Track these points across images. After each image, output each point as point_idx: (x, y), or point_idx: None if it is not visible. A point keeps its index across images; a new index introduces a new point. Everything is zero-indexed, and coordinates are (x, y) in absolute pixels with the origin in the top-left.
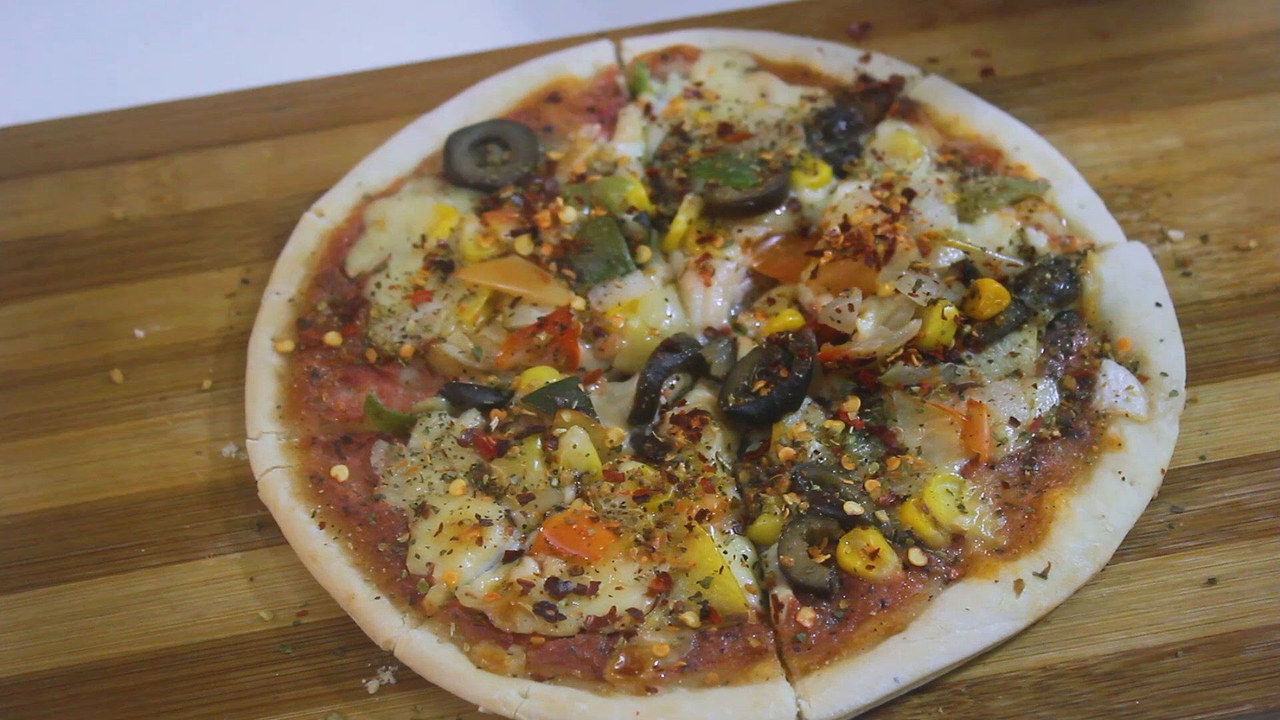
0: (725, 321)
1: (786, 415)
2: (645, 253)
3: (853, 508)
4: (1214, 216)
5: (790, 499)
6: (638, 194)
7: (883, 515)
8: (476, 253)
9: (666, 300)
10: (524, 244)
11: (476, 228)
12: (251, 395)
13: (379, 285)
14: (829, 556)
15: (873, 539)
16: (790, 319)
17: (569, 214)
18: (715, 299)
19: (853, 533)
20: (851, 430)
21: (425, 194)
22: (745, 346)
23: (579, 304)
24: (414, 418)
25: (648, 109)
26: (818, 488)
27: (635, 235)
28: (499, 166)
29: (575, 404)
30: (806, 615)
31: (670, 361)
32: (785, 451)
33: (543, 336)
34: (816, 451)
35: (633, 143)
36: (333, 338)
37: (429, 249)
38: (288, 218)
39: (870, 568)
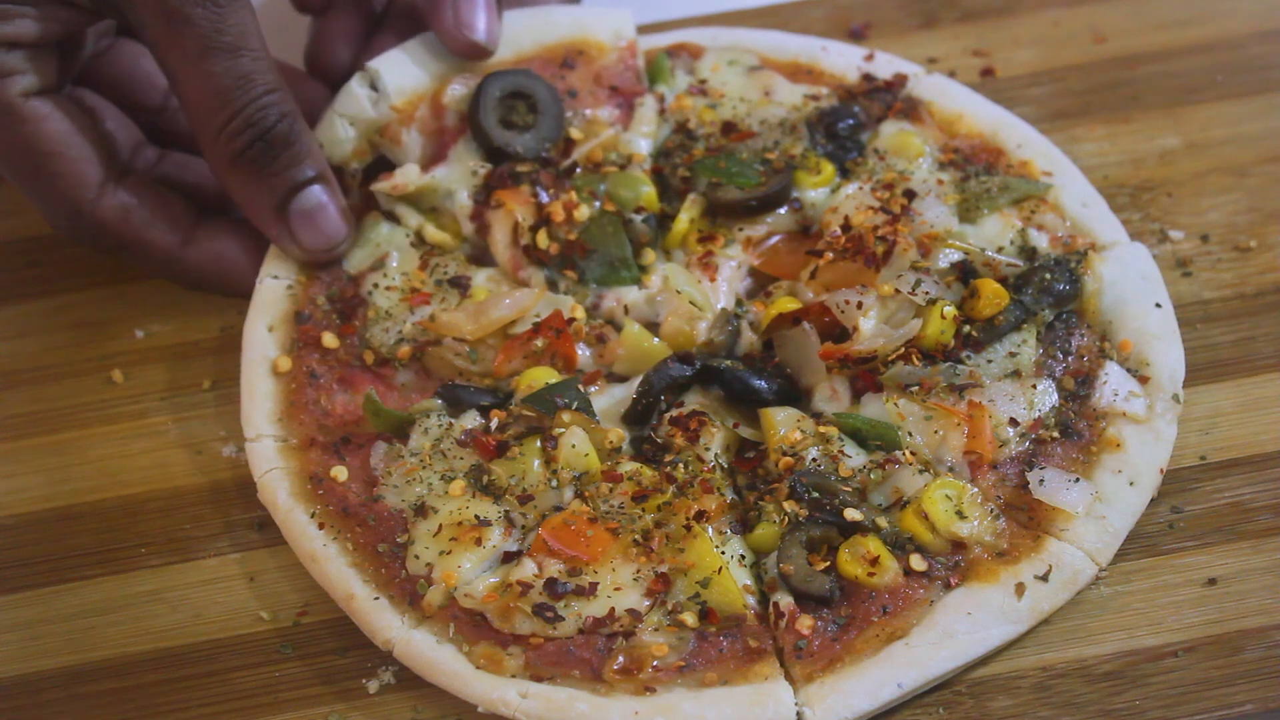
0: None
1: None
2: (649, 255)
3: (852, 514)
4: (1214, 216)
5: (789, 506)
6: (650, 197)
7: (883, 522)
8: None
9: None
10: (542, 238)
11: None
12: (248, 394)
13: (376, 285)
14: (829, 564)
15: (873, 546)
16: (788, 303)
17: (583, 211)
18: (718, 294)
19: (852, 540)
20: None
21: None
22: (746, 332)
23: (580, 313)
24: (413, 417)
25: (661, 100)
26: (816, 495)
27: (641, 237)
28: (521, 133)
29: (575, 405)
30: (805, 623)
31: (678, 371)
32: (784, 461)
33: (539, 342)
34: (815, 459)
35: (646, 138)
36: (330, 340)
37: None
38: None
39: (871, 575)
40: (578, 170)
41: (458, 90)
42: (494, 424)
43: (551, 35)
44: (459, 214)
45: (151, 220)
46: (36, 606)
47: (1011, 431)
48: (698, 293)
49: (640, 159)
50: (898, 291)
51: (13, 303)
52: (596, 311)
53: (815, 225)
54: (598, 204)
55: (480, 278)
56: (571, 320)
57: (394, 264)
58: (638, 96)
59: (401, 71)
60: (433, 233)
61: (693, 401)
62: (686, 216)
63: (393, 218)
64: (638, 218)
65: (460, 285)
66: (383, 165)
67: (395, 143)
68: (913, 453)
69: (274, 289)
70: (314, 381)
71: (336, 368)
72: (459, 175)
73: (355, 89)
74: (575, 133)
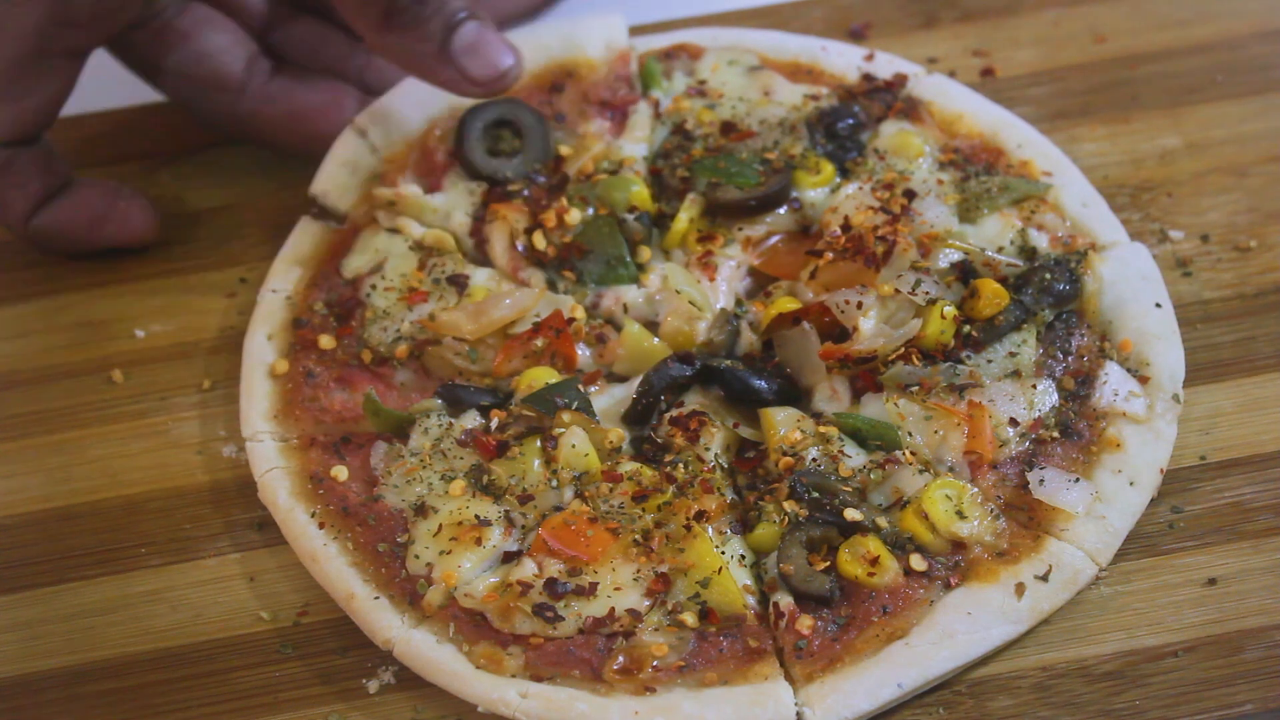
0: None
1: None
2: (645, 253)
3: (852, 514)
4: (1214, 216)
5: (789, 506)
6: (641, 195)
7: (883, 522)
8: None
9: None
10: (539, 239)
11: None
12: (246, 394)
13: (374, 287)
14: (829, 564)
15: (873, 546)
16: (788, 303)
17: (574, 216)
18: (717, 294)
19: (852, 540)
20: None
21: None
22: (745, 332)
23: (579, 313)
24: (413, 417)
25: (656, 105)
26: (816, 495)
27: (635, 235)
28: (509, 159)
29: (575, 405)
30: (805, 623)
31: (678, 371)
32: (784, 461)
33: (539, 342)
34: (815, 459)
35: (639, 143)
36: (326, 341)
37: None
38: (288, 218)
39: (871, 575)
40: (570, 182)
41: (439, 134)
42: (494, 424)
43: (541, 58)
44: (458, 231)
45: (17, 185)
46: (36, 606)
47: (1011, 431)
48: (697, 293)
49: (632, 162)
50: (898, 291)
51: (13, 303)
52: (596, 311)
53: (815, 225)
54: (590, 210)
55: (479, 276)
56: (571, 320)
57: (392, 266)
58: (631, 105)
59: (388, 124)
60: (433, 236)
61: (693, 401)
62: (686, 216)
63: (394, 230)
64: (631, 217)
65: (458, 283)
66: None
67: (393, 187)
68: (913, 453)
69: (273, 301)
70: (310, 380)
71: (334, 367)
72: (455, 198)
73: (352, 137)
74: (565, 149)
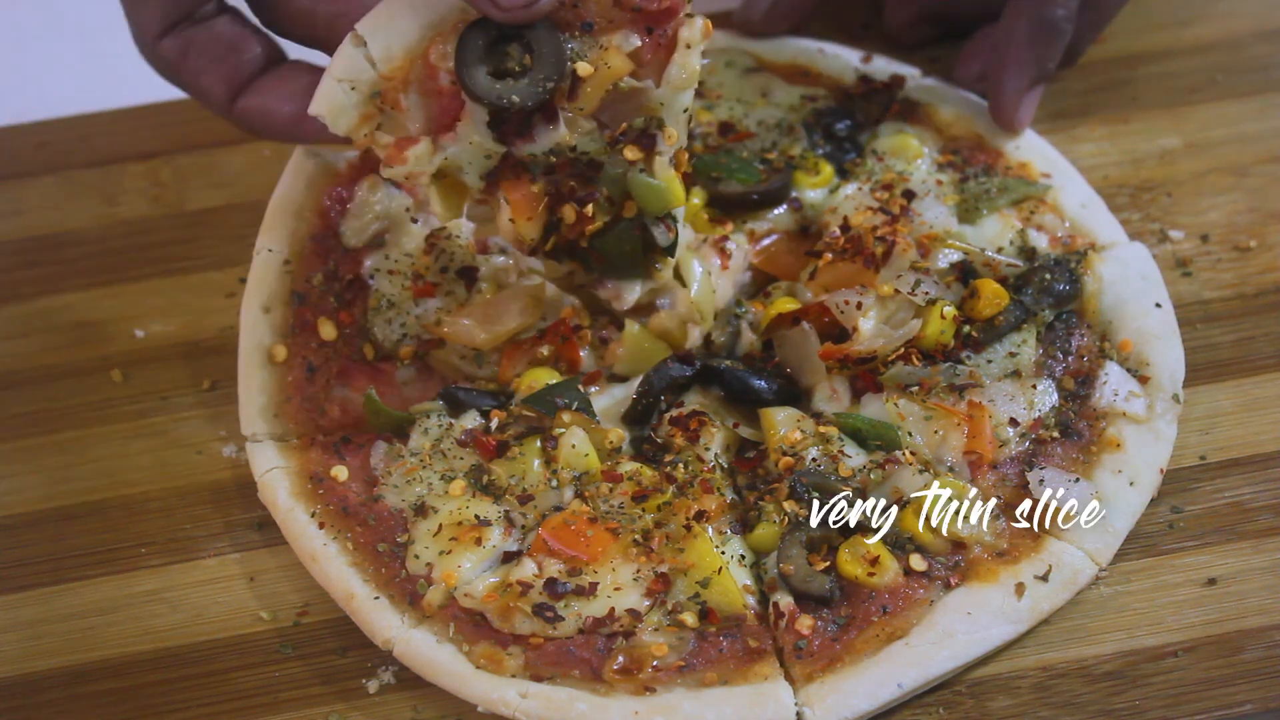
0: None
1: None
2: (664, 263)
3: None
4: (1214, 216)
5: (789, 506)
6: (676, 194)
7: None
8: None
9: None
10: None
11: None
12: (244, 380)
13: (378, 270)
14: (829, 564)
15: (873, 546)
16: (788, 303)
17: (599, 224)
18: (723, 287)
19: (852, 540)
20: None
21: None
22: (745, 332)
23: (584, 319)
24: (413, 417)
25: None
26: (817, 495)
27: (657, 256)
28: (517, 80)
29: (575, 405)
30: (805, 623)
31: (678, 371)
32: (784, 460)
33: (545, 350)
34: (815, 459)
35: (683, 90)
36: (327, 330)
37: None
38: None
39: (871, 575)
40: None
41: (444, 49)
42: (494, 424)
43: None
44: (470, 189)
45: (206, 69)
46: (36, 606)
47: (1011, 431)
48: (705, 296)
49: (672, 139)
50: (897, 292)
51: (13, 303)
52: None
53: (814, 226)
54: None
55: (485, 268)
56: (578, 327)
57: (394, 240)
58: (669, 19)
59: (387, 33)
60: (437, 209)
61: (693, 401)
62: (698, 200)
63: (392, 182)
64: (660, 229)
65: (467, 277)
66: None
67: (395, 108)
68: (913, 453)
69: (269, 264)
70: (310, 376)
71: (334, 360)
72: (468, 153)
73: (350, 50)
74: (584, 67)
